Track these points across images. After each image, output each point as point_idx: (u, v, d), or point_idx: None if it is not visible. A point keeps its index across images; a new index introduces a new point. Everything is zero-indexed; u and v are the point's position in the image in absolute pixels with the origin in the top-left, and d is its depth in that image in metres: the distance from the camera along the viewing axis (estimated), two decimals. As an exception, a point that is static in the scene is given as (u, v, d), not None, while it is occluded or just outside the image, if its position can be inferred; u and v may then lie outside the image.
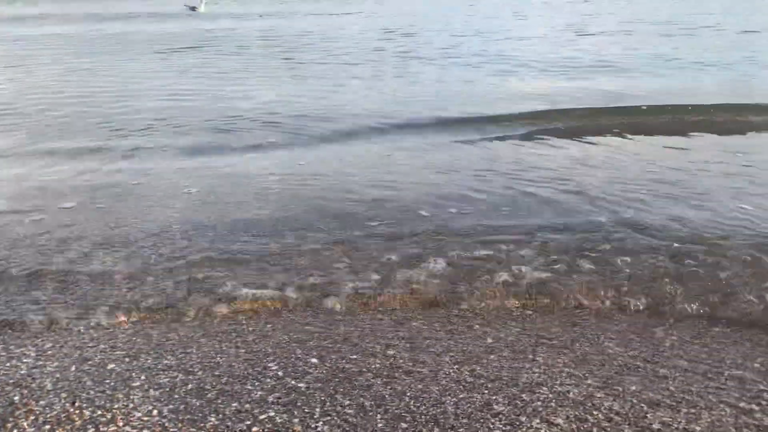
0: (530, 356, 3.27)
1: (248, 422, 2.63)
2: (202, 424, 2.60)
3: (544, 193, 5.78)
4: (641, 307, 3.89)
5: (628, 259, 4.40)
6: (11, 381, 3.01)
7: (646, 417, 2.72)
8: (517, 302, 3.93)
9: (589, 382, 3.02)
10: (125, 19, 26.62)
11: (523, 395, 2.87)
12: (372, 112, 8.76)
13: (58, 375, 3.07)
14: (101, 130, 8.33)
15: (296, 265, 4.38)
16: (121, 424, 2.61)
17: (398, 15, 25.42)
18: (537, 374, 3.08)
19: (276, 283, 4.11)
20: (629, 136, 7.85)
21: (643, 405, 2.81)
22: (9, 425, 2.59)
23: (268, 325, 3.62)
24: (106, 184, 6.23)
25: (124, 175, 6.54)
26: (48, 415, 2.68)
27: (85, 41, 18.46)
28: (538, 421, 2.64)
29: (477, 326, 3.58)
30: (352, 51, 15.50)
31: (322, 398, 2.85)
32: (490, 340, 3.44)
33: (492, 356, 3.26)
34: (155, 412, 2.73)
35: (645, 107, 8.85)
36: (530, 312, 3.80)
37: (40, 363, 3.19)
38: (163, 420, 2.64)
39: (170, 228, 5.05)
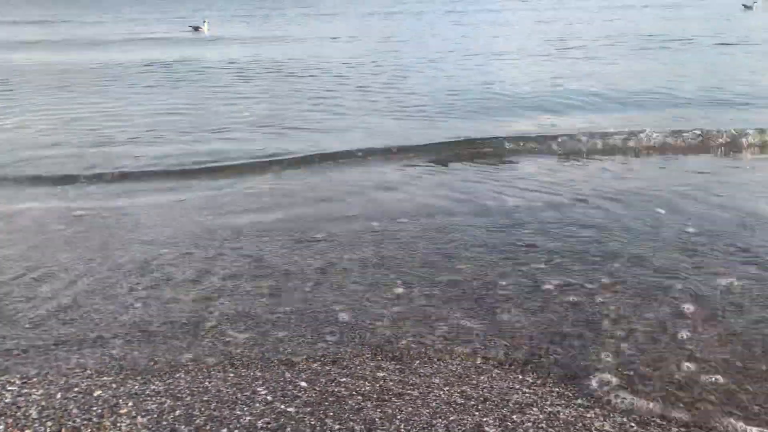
0: (519, 376, 3.27)
1: (238, 449, 2.60)
2: (190, 452, 2.58)
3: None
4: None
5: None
6: (-5, 410, 2.96)
7: (636, 437, 2.73)
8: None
9: (579, 401, 3.03)
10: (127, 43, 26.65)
11: (514, 416, 2.87)
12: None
13: (43, 403, 3.03)
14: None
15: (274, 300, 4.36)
16: (108, 453, 2.57)
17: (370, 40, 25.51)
18: (527, 395, 3.08)
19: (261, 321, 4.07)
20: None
21: (633, 424, 2.82)
22: (-7, 456, 2.55)
23: (256, 348, 3.59)
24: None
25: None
26: (33, 446, 2.64)
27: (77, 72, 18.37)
28: (529, 442, 2.64)
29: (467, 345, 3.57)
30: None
31: (312, 423, 2.83)
32: (479, 360, 3.44)
33: (482, 377, 3.26)
34: (143, 440, 2.70)
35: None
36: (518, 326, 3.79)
37: (25, 391, 3.14)
38: (151, 448, 2.61)
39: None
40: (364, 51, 20.03)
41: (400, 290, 4.22)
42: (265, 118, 10.27)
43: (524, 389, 3.12)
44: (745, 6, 38.24)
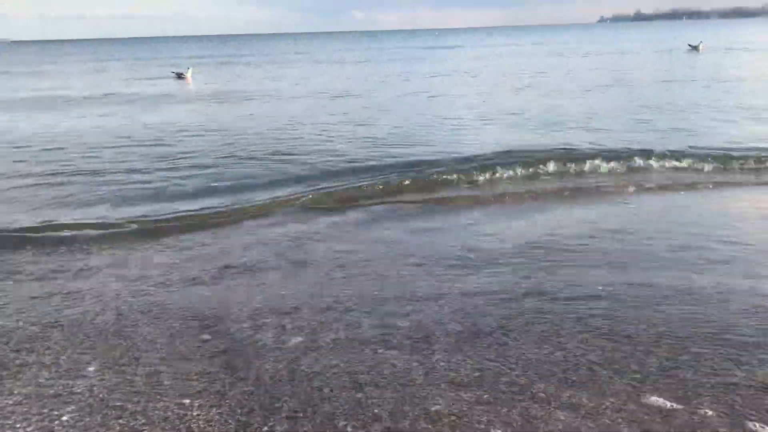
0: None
1: None
2: None
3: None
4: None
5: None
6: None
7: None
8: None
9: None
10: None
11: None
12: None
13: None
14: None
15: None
16: None
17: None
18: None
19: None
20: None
21: None
22: None
23: (214, 409, 3.51)
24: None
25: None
26: None
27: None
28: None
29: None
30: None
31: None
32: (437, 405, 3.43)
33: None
34: None
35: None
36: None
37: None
38: None
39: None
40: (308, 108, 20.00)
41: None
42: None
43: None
44: (691, 46, 40.14)
